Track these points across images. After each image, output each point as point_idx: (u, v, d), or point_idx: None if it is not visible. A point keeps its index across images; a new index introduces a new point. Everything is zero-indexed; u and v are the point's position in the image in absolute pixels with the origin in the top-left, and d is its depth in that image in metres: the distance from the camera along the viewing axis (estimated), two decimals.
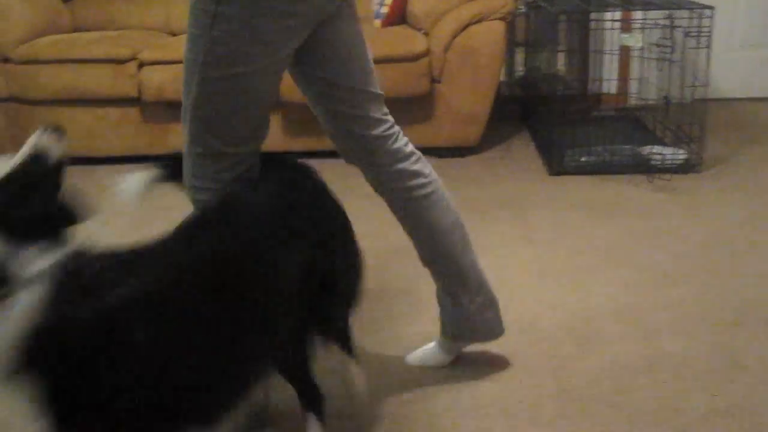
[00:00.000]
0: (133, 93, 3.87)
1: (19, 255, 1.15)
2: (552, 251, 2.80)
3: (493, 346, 2.12)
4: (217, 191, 1.64)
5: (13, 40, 3.96)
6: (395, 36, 3.84)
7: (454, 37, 3.72)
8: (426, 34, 3.80)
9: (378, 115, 1.89)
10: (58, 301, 1.14)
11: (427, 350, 2.13)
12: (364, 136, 1.87)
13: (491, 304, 2.03)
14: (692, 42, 3.48)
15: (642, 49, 3.86)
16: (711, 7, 3.45)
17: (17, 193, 1.20)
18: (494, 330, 2.05)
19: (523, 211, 3.16)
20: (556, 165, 3.60)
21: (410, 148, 1.94)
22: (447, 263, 1.97)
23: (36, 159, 1.26)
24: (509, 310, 2.33)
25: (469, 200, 3.27)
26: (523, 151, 3.97)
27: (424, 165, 1.95)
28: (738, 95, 4.79)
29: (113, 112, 3.97)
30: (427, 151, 3.79)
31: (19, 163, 1.24)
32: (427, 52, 3.71)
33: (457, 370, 2.08)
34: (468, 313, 2.00)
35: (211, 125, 1.63)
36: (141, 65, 3.86)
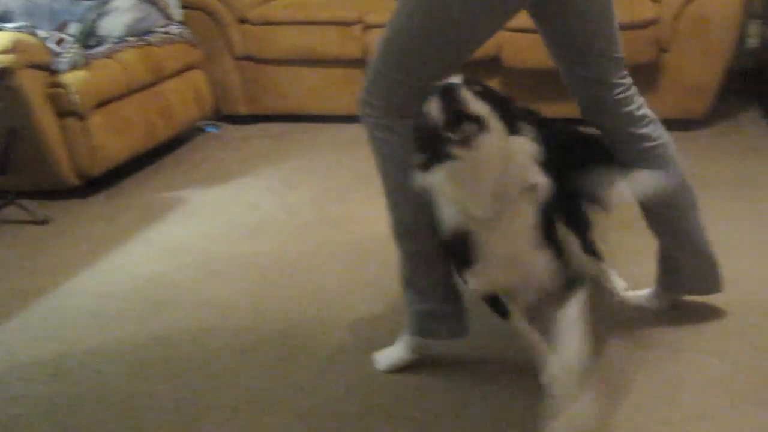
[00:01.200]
0: (358, 54, 4.02)
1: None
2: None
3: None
4: None
5: (250, 2, 4.24)
6: (624, 2, 3.72)
7: (686, 4, 3.55)
8: (656, 0, 3.66)
9: (615, 78, 1.89)
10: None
11: (641, 295, 2.18)
12: (601, 98, 1.88)
13: (709, 263, 2.02)
14: None
15: None
16: None
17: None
18: (709, 287, 2.06)
19: (752, 189, 2.99)
20: None
21: (642, 111, 1.94)
22: (669, 221, 1.99)
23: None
24: (737, 287, 2.25)
25: (695, 176, 3.11)
26: (752, 127, 3.74)
27: (653, 128, 1.95)
28: None
29: (339, 73, 4.15)
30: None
31: None
32: (656, 20, 3.57)
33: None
34: (684, 269, 2.04)
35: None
36: (366, 27, 4.00)
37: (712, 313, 2.13)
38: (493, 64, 3.84)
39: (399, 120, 1.74)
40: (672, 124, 3.66)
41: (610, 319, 2.14)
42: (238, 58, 4.26)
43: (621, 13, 3.50)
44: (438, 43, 1.69)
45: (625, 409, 1.78)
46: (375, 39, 3.93)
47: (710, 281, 2.05)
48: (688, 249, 2.01)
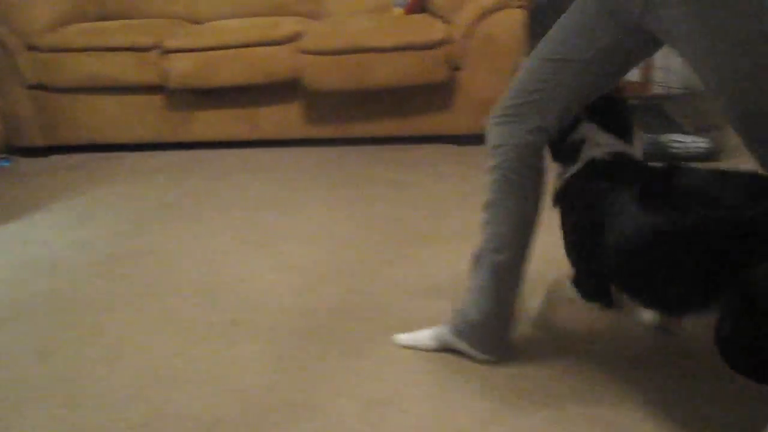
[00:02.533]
0: (157, 80, 3.92)
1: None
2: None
3: None
4: None
5: (39, 29, 4.03)
6: (415, 24, 3.86)
7: (475, 24, 3.73)
8: (446, 21, 3.81)
9: None
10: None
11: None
12: None
13: None
14: None
15: None
16: None
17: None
18: None
19: None
20: None
21: None
22: None
23: None
24: None
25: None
26: None
27: None
28: None
29: (138, 100, 4.03)
30: (447, 139, 3.88)
31: None
32: (446, 40, 3.72)
33: None
34: None
35: None
36: (165, 53, 3.91)
37: None
38: (293, 87, 3.86)
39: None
40: (469, 140, 3.88)
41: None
42: (30, 87, 4.04)
43: (413, 35, 3.70)
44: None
45: None
46: (173, 64, 3.90)
47: None
48: None
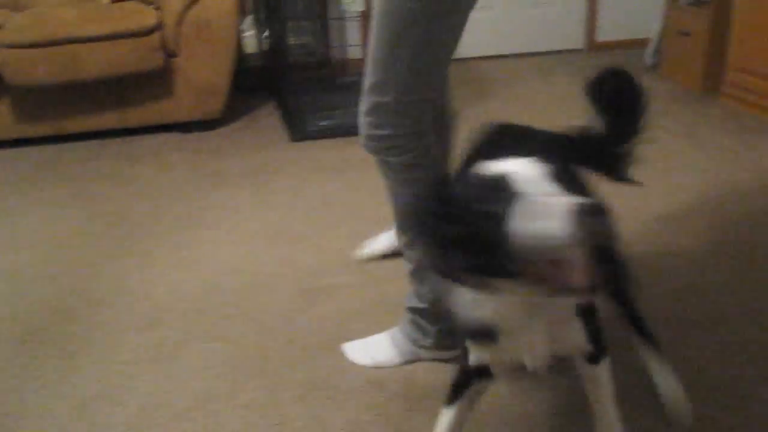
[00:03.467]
0: None
1: None
2: (289, 213, 2.88)
3: (230, 309, 2.18)
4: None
5: None
6: (123, 11, 3.74)
7: (186, 10, 3.68)
8: (157, 8, 3.74)
9: None
10: None
11: None
12: None
13: None
14: None
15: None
16: None
17: None
18: None
19: (264, 179, 3.22)
20: (298, 131, 3.69)
21: None
22: None
23: None
24: (246, 272, 2.41)
25: (213, 173, 3.29)
26: (268, 120, 4.02)
27: None
28: (471, 54, 5.13)
29: None
30: (171, 127, 3.82)
31: None
32: (158, 26, 3.64)
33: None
34: None
35: (430, 74, 1.67)
36: None
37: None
38: None
39: (418, 140, 1.71)
40: (193, 126, 3.85)
41: None
42: None
43: (122, 23, 3.58)
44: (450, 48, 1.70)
45: None
46: None
47: None
48: None
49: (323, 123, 3.73)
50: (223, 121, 3.94)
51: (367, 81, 1.68)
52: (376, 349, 1.98)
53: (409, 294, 1.94)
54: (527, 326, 1.28)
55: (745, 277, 2.25)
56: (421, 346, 1.94)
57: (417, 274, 1.88)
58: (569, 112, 3.50)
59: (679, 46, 4.41)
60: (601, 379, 1.51)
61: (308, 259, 2.52)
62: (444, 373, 1.84)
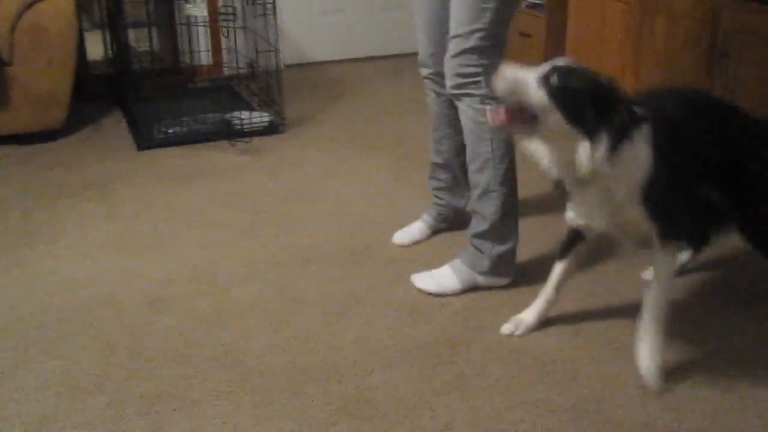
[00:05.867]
0: None
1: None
2: (134, 224, 2.81)
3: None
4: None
5: None
6: None
7: (20, 15, 3.51)
8: None
9: None
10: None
11: None
12: None
13: None
14: (259, 10, 3.67)
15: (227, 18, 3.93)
16: None
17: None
18: None
19: (108, 189, 3.12)
20: (145, 140, 3.60)
21: None
22: None
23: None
24: (88, 286, 2.34)
25: (54, 185, 3.16)
26: (113, 130, 3.89)
27: None
28: (324, 58, 5.16)
29: None
30: (9, 138, 3.62)
31: None
32: None
33: None
34: None
35: (507, 26, 2.21)
36: None
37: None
38: None
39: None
40: (33, 138, 3.67)
41: None
42: None
43: None
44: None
45: None
46: None
47: None
48: None
49: (171, 131, 3.65)
50: (66, 131, 3.77)
51: (455, 31, 2.16)
52: (440, 277, 2.30)
53: (472, 222, 2.31)
54: (580, 191, 1.82)
55: None
56: (479, 272, 2.27)
57: (484, 194, 2.25)
58: (418, 112, 3.61)
59: (520, 46, 4.62)
60: (657, 263, 1.89)
61: (154, 270, 2.46)
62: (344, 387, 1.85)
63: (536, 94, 1.69)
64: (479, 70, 2.15)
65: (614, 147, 1.67)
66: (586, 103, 1.66)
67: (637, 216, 1.82)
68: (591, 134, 1.67)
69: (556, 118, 1.69)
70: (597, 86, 1.69)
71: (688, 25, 3.32)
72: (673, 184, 1.84)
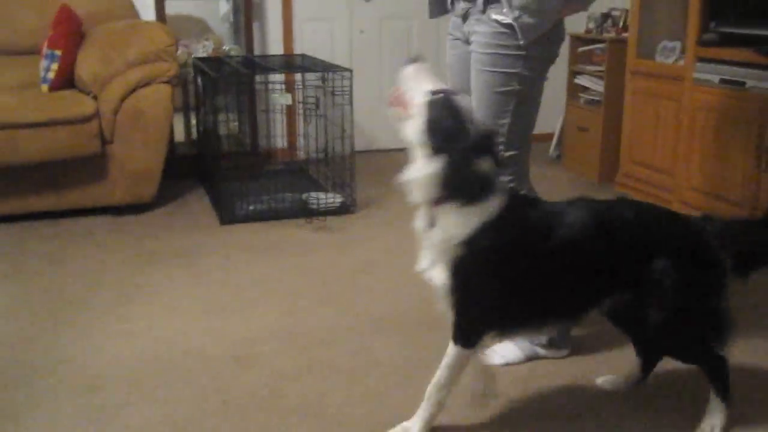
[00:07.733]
0: None
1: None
2: (219, 290, 3.07)
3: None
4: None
5: None
6: (63, 100, 3.93)
7: (123, 100, 3.90)
8: (95, 97, 3.94)
9: None
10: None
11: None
12: None
13: None
14: (339, 99, 4.00)
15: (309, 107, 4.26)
16: (349, 70, 4.00)
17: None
18: None
19: (195, 258, 3.41)
20: (227, 215, 3.91)
21: None
22: None
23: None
24: (180, 343, 2.58)
25: (146, 252, 3.46)
26: (197, 205, 4.22)
27: None
28: (384, 146, 5.47)
29: None
30: (104, 210, 3.97)
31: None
32: (96, 114, 3.84)
33: None
34: None
35: (521, 134, 2.39)
36: None
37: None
38: None
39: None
40: (124, 210, 4.01)
41: None
42: None
43: (62, 110, 3.77)
44: None
45: None
46: None
47: None
48: None
49: (251, 207, 3.96)
50: (155, 205, 4.11)
51: None
52: (503, 350, 2.46)
53: None
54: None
55: None
56: (538, 344, 2.46)
57: None
58: None
59: (578, 140, 4.86)
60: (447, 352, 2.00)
61: (239, 331, 2.70)
62: None
63: (416, 99, 1.89)
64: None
65: (447, 181, 1.84)
66: (440, 127, 1.83)
67: (441, 288, 1.93)
68: (433, 154, 1.85)
69: (416, 128, 1.88)
70: (458, 121, 1.84)
71: (737, 122, 3.55)
72: (491, 280, 1.87)
